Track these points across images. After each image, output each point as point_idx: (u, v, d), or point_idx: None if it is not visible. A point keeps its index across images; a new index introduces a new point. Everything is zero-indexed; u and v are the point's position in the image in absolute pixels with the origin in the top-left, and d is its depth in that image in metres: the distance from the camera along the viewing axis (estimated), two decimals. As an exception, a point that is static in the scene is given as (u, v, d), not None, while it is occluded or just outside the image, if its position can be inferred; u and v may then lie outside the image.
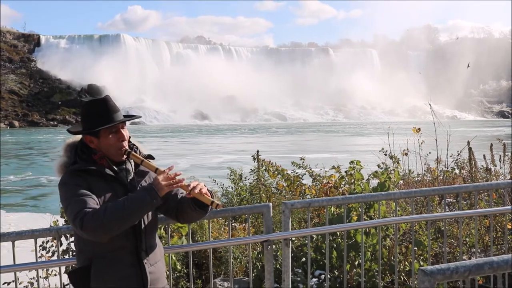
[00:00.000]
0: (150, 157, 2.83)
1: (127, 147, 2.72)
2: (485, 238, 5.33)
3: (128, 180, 2.72)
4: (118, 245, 2.64)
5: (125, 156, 2.71)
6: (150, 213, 2.75)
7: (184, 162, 30.00)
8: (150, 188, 2.54)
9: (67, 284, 3.88)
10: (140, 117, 2.99)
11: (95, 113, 2.67)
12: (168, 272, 4.03)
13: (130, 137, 2.81)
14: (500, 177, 7.03)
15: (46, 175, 26.17)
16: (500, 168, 7.13)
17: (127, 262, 2.66)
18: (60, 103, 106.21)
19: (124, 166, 2.74)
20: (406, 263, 4.86)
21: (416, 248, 4.63)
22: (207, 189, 2.74)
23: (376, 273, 4.58)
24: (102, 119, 2.65)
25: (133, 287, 2.67)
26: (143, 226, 2.70)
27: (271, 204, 3.80)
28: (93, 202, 2.55)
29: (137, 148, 2.82)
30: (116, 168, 2.71)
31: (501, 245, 5.25)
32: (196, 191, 2.63)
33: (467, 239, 5.20)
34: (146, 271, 2.70)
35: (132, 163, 2.77)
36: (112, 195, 2.64)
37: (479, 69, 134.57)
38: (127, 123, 2.80)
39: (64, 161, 2.72)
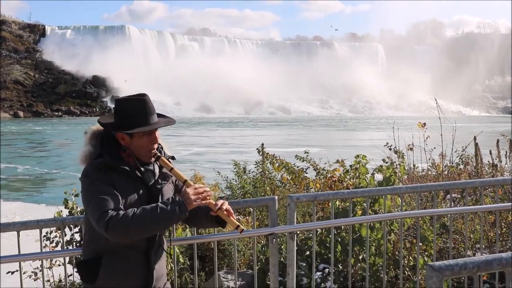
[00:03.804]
0: (172, 158, 2.80)
1: (156, 151, 2.69)
2: (489, 234, 5.31)
3: (152, 181, 2.69)
4: (132, 243, 2.61)
5: (153, 159, 2.68)
6: None
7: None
8: (180, 203, 2.51)
9: (70, 275, 3.89)
10: (175, 122, 2.84)
11: (132, 112, 2.62)
12: (172, 264, 4.03)
13: None
14: (505, 173, 7.00)
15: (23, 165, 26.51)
16: (506, 164, 7.10)
17: (136, 261, 2.65)
18: (65, 93, 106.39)
19: (151, 168, 2.70)
20: (411, 258, 4.85)
21: (420, 243, 4.61)
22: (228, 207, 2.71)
23: (380, 268, 4.57)
24: (139, 120, 2.61)
25: (138, 286, 2.67)
26: None
27: (276, 197, 3.78)
28: (117, 202, 2.52)
29: (162, 148, 2.78)
30: (142, 168, 2.67)
31: (506, 241, 5.23)
32: (224, 211, 2.61)
33: (472, 235, 5.18)
34: (153, 270, 2.69)
35: (157, 165, 2.74)
36: (135, 194, 2.61)
37: (484, 64, 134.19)
38: None
39: (89, 150, 2.66)
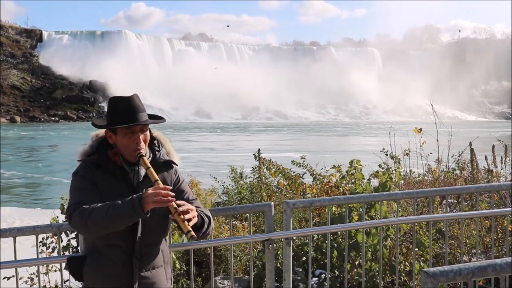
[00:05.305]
0: (172, 162, 2.79)
1: (141, 151, 2.65)
2: (485, 240, 5.32)
3: (137, 182, 2.68)
4: (113, 243, 2.62)
5: (137, 158, 2.66)
6: (153, 217, 2.63)
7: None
8: (136, 201, 2.47)
9: (67, 280, 3.88)
10: (164, 120, 2.84)
11: (116, 109, 2.64)
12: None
13: (156, 138, 2.78)
14: (501, 178, 7.01)
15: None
16: (502, 169, 7.11)
17: (119, 262, 2.64)
18: (62, 98, 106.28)
19: (137, 168, 2.69)
20: (407, 263, 4.86)
21: (416, 249, 4.62)
22: (204, 215, 2.72)
23: (376, 273, 4.58)
24: (121, 117, 2.61)
25: (122, 287, 2.64)
26: (139, 230, 2.65)
27: (272, 203, 3.79)
28: (90, 198, 2.55)
29: (158, 151, 2.77)
30: (128, 168, 2.67)
31: (501, 247, 5.24)
32: (180, 215, 2.52)
33: (468, 240, 5.19)
34: (135, 275, 2.65)
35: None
36: (118, 193, 2.59)
37: (481, 69, 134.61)
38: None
39: (85, 149, 2.73)
